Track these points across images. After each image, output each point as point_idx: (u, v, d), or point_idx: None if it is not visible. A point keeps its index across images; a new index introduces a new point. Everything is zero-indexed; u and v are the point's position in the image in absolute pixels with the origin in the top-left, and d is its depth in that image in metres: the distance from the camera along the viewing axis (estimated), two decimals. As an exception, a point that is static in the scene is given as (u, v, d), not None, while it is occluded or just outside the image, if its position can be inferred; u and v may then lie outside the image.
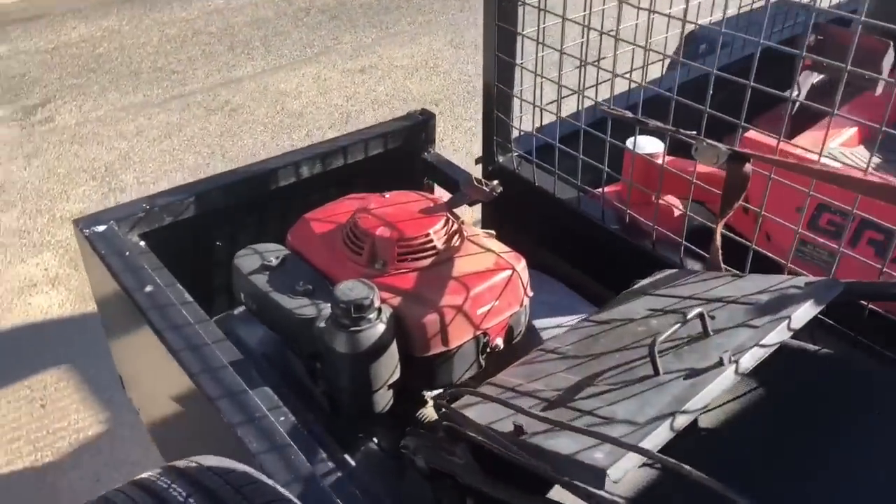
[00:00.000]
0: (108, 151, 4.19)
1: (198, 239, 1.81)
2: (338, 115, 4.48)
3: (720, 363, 0.99)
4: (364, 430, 1.54)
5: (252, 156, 4.13)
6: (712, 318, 1.10)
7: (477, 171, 2.03)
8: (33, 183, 3.95)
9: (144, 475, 1.07)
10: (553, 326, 1.56)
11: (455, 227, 1.51)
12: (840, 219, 1.53)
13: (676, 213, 1.77)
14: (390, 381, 1.37)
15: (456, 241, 1.49)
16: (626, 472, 0.86)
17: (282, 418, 1.24)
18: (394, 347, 1.35)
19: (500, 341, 1.47)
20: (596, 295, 1.72)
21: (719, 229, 1.30)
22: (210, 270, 1.89)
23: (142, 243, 1.65)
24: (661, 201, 1.81)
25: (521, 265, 1.49)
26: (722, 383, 0.96)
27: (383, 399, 1.40)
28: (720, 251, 1.30)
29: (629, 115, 1.48)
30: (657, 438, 0.91)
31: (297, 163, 1.89)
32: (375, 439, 1.52)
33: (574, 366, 1.13)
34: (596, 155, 1.65)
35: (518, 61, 1.76)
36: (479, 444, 1.05)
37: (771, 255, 1.33)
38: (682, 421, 0.94)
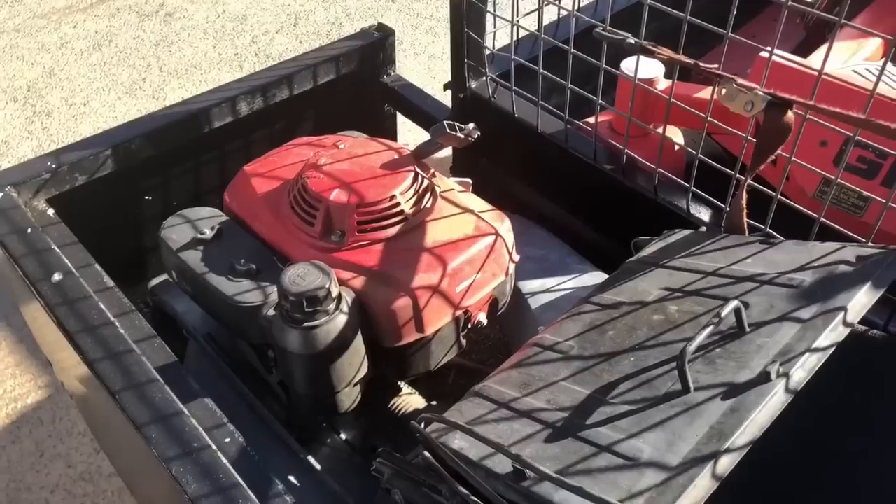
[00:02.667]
0: (30, 67, 3.76)
1: (119, 198, 1.54)
2: (285, 17, 4.05)
3: (766, 377, 0.79)
4: (326, 419, 1.34)
5: (194, 67, 3.74)
6: (746, 305, 0.89)
7: (445, 98, 1.76)
8: (-54, 108, 3.55)
9: None
10: (542, 291, 1.35)
11: (425, 183, 1.26)
12: (873, 155, 1.31)
13: (676, 147, 1.53)
14: (356, 379, 1.16)
15: (427, 201, 1.25)
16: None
17: (227, 440, 1.03)
18: (359, 341, 1.13)
19: (482, 317, 1.26)
20: (588, 244, 1.50)
21: (745, 186, 1.07)
22: (140, 231, 1.62)
23: (50, 211, 1.38)
24: (657, 135, 1.57)
25: (505, 226, 1.25)
26: (771, 408, 0.76)
27: (348, 398, 1.20)
28: (745, 210, 1.07)
29: (632, 39, 1.21)
30: (697, 494, 0.72)
31: (233, 98, 1.59)
32: (341, 433, 1.33)
33: (580, 371, 0.93)
34: (576, 76, 1.39)
35: (490, -32, 1.46)
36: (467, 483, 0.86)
37: (800, 207, 1.11)
38: (725, 464, 0.74)
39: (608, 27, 1.24)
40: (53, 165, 1.40)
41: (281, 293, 1.08)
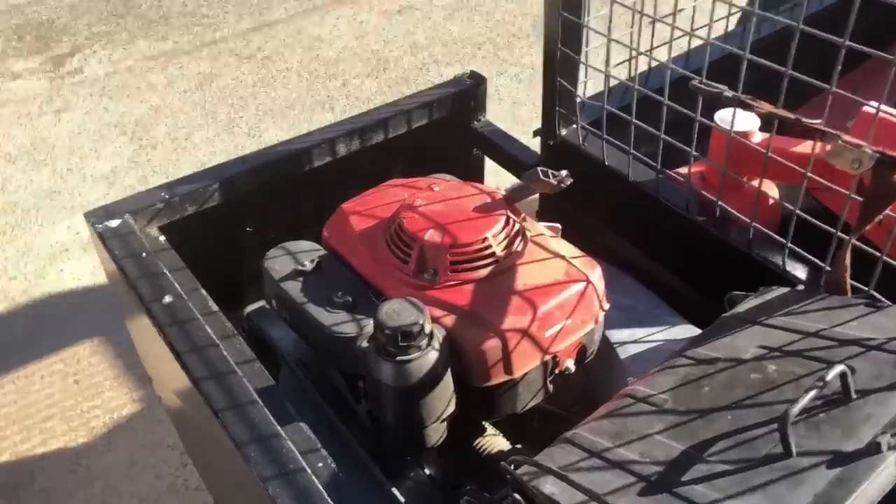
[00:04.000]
0: (139, 105, 4.01)
1: (223, 228, 1.62)
2: (375, 62, 4.21)
3: (876, 448, 0.77)
4: (412, 452, 1.36)
5: (287, 107, 3.91)
6: (852, 370, 0.88)
7: (534, 145, 1.79)
8: (63, 140, 3.80)
9: None
10: (631, 341, 1.34)
11: (516, 227, 1.28)
12: None
13: (771, 202, 1.51)
14: (443, 415, 1.18)
15: (518, 244, 1.27)
16: None
17: (320, 464, 1.06)
18: (448, 377, 1.16)
19: (570, 364, 1.26)
20: (677, 295, 1.49)
21: (849, 246, 1.05)
22: (240, 260, 1.70)
23: (161, 238, 1.46)
24: (752, 188, 1.56)
25: (597, 274, 1.26)
26: (882, 481, 0.74)
27: (436, 434, 1.22)
28: (849, 271, 1.06)
29: (729, 92, 1.22)
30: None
31: (332, 140, 1.67)
32: (425, 467, 1.34)
33: (675, 425, 0.92)
34: (667, 125, 1.40)
35: (585, 20, 1.49)
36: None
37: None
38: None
39: (704, 80, 1.25)
40: (166, 196, 1.49)
41: (377, 326, 1.12)
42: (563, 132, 1.68)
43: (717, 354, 1.03)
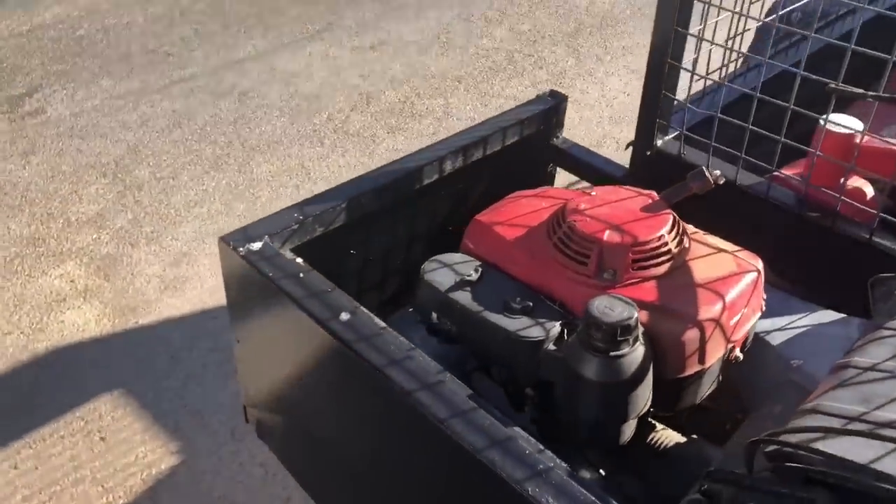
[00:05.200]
0: (114, 144, 3.86)
1: (346, 248, 1.61)
2: (357, 96, 4.22)
3: None
4: (570, 458, 1.38)
5: (274, 142, 3.86)
6: None
7: (625, 157, 1.87)
8: (37, 183, 3.61)
9: None
10: (775, 329, 1.41)
11: (682, 226, 1.34)
12: None
13: (869, 197, 1.64)
14: (643, 410, 1.21)
15: (686, 241, 1.33)
16: None
17: (552, 464, 1.07)
18: (650, 372, 1.19)
19: (738, 352, 1.32)
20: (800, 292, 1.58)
21: None
22: (361, 282, 1.69)
23: (298, 260, 1.44)
24: (851, 186, 1.68)
25: (761, 265, 1.33)
26: None
27: (629, 430, 1.24)
28: None
29: (862, 91, 1.33)
30: None
31: (440, 158, 1.69)
32: (599, 468, 1.36)
33: (922, 388, 0.99)
34: (761, 126, 1.51)
35: (693, 31, 1.59)
36: (845, 487, 0.90)
37: None
38: None
39: (840, 83, 1.36)
40: (300, 217, 1.47)
41: (589, 323, 1.14)
42: (659, 143, 1.76)
43: (921, 325, 1.11)
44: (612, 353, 1.14)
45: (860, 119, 1.62)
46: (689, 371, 1.23)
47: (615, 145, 3.78)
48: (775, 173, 1.61)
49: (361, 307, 1.33)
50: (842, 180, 1.60)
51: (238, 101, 4.20)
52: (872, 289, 1.36)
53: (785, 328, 1.41)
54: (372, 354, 1.19)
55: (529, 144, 1.89)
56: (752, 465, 1.02)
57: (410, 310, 1.75)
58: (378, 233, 1.68)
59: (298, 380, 1.46)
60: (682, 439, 1.34)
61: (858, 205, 1.47)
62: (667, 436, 1.35)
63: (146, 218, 3.40)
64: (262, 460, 2.37)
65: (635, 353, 1.15)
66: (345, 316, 1.26)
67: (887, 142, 1.52)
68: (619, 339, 1.13)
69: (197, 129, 3.97)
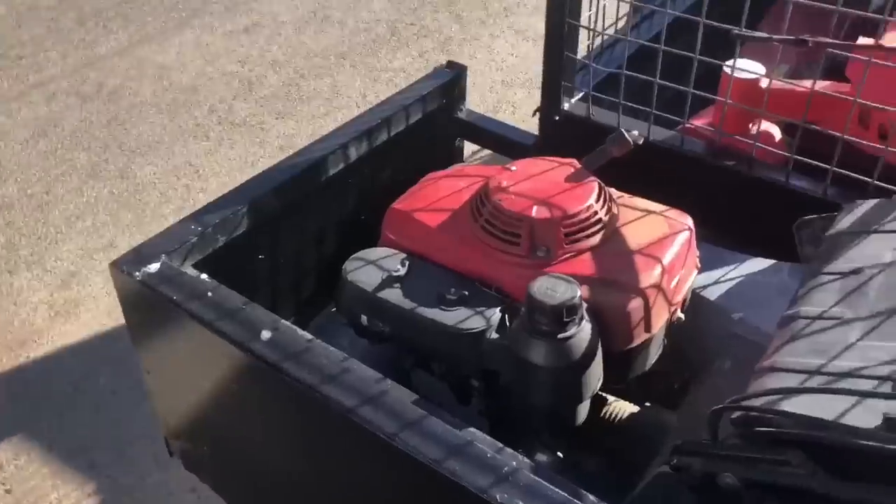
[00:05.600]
0: (-28, 162, 3.51)
1: (253, 255, 1.48)
2: (237, 84, 3.99)
3: None
4: (524, 444, 1.32)
5: (156, 142, 3.60)
6: None
7: (530, 123, 1.81)
8: None
9: None
10: (711, 283, 1.39)
11: (608, 192, 1.29)
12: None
13: (777, 139, 1.64)
14: (596, 390, 1.16)
15: (614, 208, 1.28)
16: None
17: (513, 463, 1.00)
18: (600, 349, 1.14)
19: (680, 313, 1.29)
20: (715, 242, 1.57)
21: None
22: (274, 288, 1.57)
23: (203, 276, 1.30)
24: (761, 130, 1.68)
25: (691, 221, 1.30)
26: None
27: (584, 409, 1.20)
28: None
29: (767, 35, 1.31)
30: None
31: (343, 145, 1.57)
32: (555, 451, 1.31)
33: (872, 330, 0.98)
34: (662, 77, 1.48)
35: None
36: (815, 445, 0.88)
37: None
38: None
39: (744, 28, 1.33)
40: (199, 228, 1.34)
41: (533, 307, 1.08)
42: (566, 106, 1.70)
43: (857, 265, 1.10)
44: (559, 336, 1.08)
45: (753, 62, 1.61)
46: (638, 341, 1.19)
47: (511, 109, 3.74)
48: (686, 125, 1.59)
49: (282, 320, 1.22)
50: (752, 126, 1.59)
51: (108, 100, 3.89)
52: (798, 231, 1.35)
53: (719, 281, 1.39)
54: (303, 373, 1.09)
55: (434, 120, 1.80)
56: (716, 433, 0.99)
57: (333, 310, 1.65)
58: (286, 233, 1.56)
59: (224, 407, 1.33)
60: (636, 408, 1.31)
61: (773, 149, 1.47)
62: (620, 407, 1.31)
63: (22, 240, 3.11)
64: (193, 485, 2.21)
65: (582, 333, 1.10)
66: (266, 334, 1.14)
67: (791, 83, 1.51)
68: (565, 320, 1.07)
69: (66, 137, 3.65)
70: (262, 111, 3.80)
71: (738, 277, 1.39)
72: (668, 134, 1.60)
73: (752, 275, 1.38)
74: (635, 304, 1.15)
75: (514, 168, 1.32)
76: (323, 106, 3.81)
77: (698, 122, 1.62)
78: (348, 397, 1.05)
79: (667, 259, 1.20)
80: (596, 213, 1.23)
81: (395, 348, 1.32)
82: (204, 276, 1.31)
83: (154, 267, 1.26)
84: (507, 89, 3.93)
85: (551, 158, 1.35)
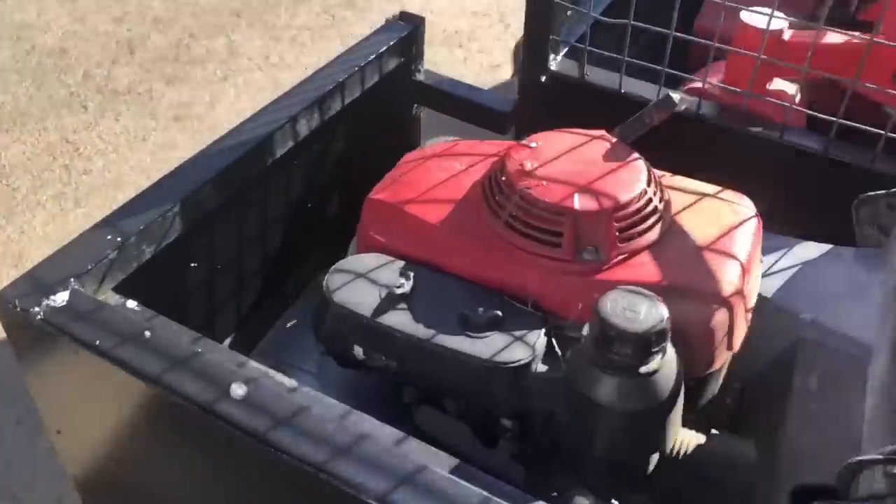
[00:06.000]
0: None
1: (185, 263, 1.13)
2: (115, 45, 3.46)
3: None
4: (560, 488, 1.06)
5: (22, 115, 3.05)
6: None
7: (489, 83, 1.52)
8: None
9: None
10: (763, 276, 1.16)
11: (654, 173, 1.03)
12: None
13: (797, 99, 1.43)
14: (678, 434, 0.92)
15: (665, 193, 1.02)
16: None
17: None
18: (682, 382, 0.88)
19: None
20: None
21: None
22: (210, 301, 1.22)
23: (131, 304, 0.95)
24: (771, 87, 1.46)
25: (754, 206, 1.06)
26: None
27: (657, 457, 0.94)
28: None
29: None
30: None
31: (293, 118, 1.23)
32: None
33: None
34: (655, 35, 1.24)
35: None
36: None
37: None
38: None
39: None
40: (117, 239, 0.97)
41: (608, 334, 0.80)
42: (553, 66, 1.42)
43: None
44: (641, 371, 0.81)
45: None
46: (720, 363, 0.94)
47: (462, 67, 3.40)
48: (697, 85, 1.35)
49: (255, 364, 0.89)
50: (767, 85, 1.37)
51: (-45, 69, 3.28)
52: (857, 210, 1.15)
53: (770, 272, 1.16)
54: (305, 448, 0.77)
55: (391, 84, 1.48)
56: (848, 489, 0.76)
57: (289, 325, 1.33)
58: (223, 231, 1.21)
59: (169, 480, 0.99)
60: (701, 438, 1.07)
61: (813, 112, 1.25)
62: (684, 438, 1.06)
63: None
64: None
65: (668, 365, 0.84)
66: (238, 391, 0.82)
67: (835, 31, 1.30)
68: (653, 350, 0.80)
69: None
70: (148, 77, 3.30)
71: (792, 267, 1.17)
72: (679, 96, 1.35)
73: (809, 264, 1.17)
74: (719, 318, 0.90)
75: (534, 144, 1.03)
76: (220, 69, 3.35)
77: (712, 80, 1.38)
78: (374, 480, 0.75)
79: (743, 256, 0.96)
80: (650, 200, 0.97)
81: (392, 380, 1.03)
82: (132, 303, 0.96)
83: (61, 297, 0.89)
84: (448, 42, 3.57)
85: (576, 130, 1.06)
